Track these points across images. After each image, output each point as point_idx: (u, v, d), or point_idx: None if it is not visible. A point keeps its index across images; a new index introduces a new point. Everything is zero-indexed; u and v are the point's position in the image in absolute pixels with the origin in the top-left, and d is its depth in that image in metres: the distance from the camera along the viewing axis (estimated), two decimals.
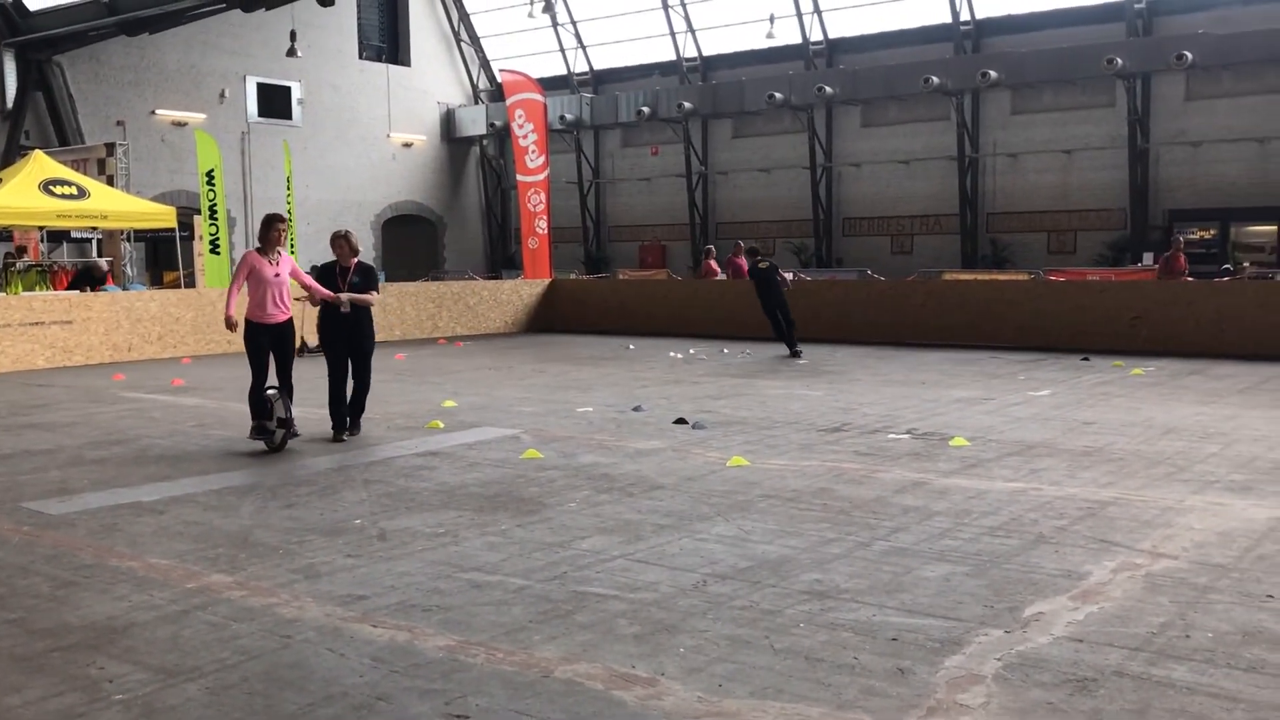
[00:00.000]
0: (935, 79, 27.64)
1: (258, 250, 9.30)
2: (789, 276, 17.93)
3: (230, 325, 9.38)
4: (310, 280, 9.56)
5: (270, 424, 8.94)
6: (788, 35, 31.07)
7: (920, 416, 10.29)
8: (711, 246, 24.35)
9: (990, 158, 29.18)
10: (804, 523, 6.34)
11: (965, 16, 29.08)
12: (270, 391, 9.07)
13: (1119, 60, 25.42)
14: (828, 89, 29.34)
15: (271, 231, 9.26)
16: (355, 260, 9.71)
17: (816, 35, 31.33)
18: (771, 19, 30.17)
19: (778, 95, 29.92)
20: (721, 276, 22.37)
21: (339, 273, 9.64)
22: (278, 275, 9.24)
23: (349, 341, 9.68)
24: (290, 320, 9.40)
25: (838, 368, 14.88)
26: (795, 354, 16.44)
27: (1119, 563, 5.44)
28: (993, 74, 27.11)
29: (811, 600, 4.93)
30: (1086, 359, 15.42)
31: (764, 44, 30.98)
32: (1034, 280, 20.85)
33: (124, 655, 4.34)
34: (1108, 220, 27.74)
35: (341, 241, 9.65)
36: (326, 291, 9.40)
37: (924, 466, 7.92)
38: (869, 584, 5.15)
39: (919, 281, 21.33)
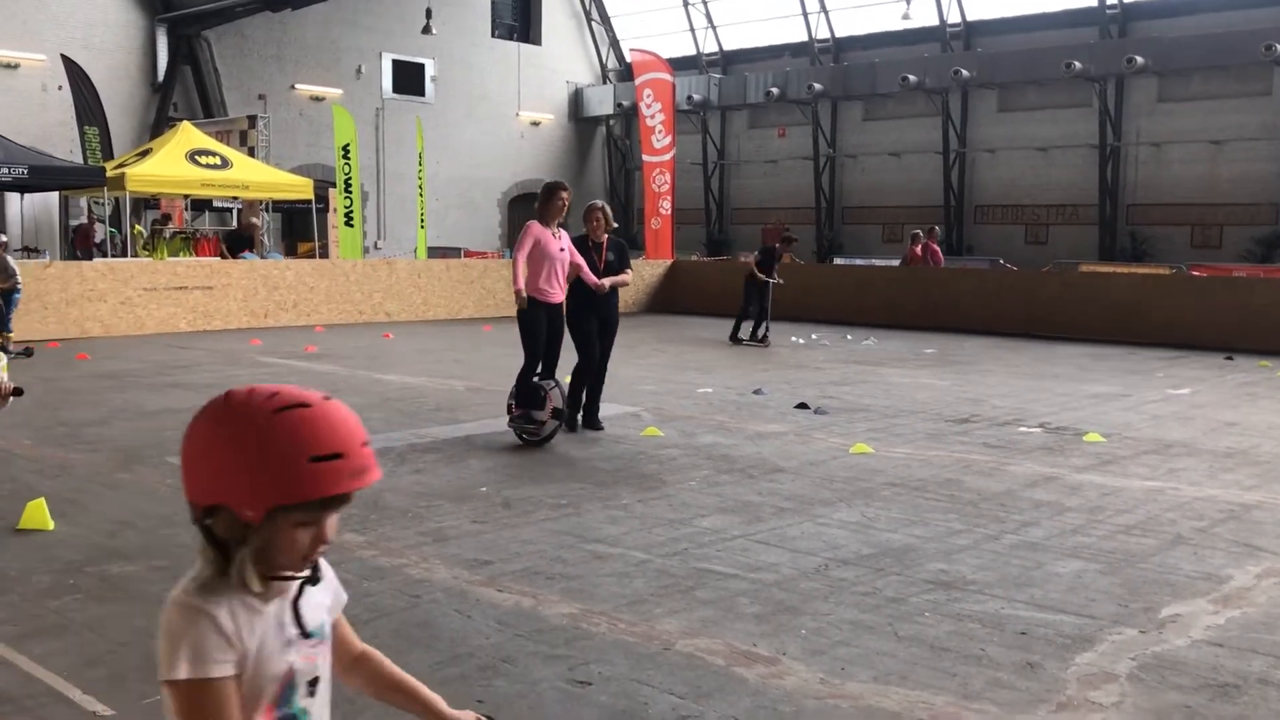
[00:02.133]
0: (1078, 64, 26.71)
1: (539, 221, 8.40)
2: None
3: (522, 301, 8.36)
4: (580, 260, 8.60)
5: (541, 414, 8.04)
6: (924, 17, 30.37)
7: (1053, 411, 10.00)
8: (934, 229, 22.03)
9: (1133, 147, 28.10)
10: (930, 512, 6.23)
11: (1112, 0, 28.03)
12: (544, 379, 8.27)
13: (1277, 47, 24.17)
14: (964, 72, 28.62)
15: (555, 201, 8.35)
16: (607, 235, 8.89)
17: (954, 17, 30.57)
18: (908, 0, 29.55)
19: (911, 78, 29.30)
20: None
21: (591, 248, 8.76)
22: (561, 250, 8.40)
23: (604, 323, 8.86)
24: (563, 302, 8.56)
25: (966, 358, 14.56)
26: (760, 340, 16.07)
27: (1264, 568, 5.20)
28: (1139, 60, 26.07)
29: (937, 590, 4.84)
30: (1230, 358, 14.77)
31: (899, 25, 30.34)
32: (1176, 275, 20.05)
33: None
34: (1256, 215, 26.46)
35: (598, 214, 8.81)
36: (595, 278, 8.55)
37: (1056, 461, 7.70)
38: (997, 576, 5.03)
39: (1054, 272, 20.71)
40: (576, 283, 8.63)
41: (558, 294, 8.46)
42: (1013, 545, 5.56)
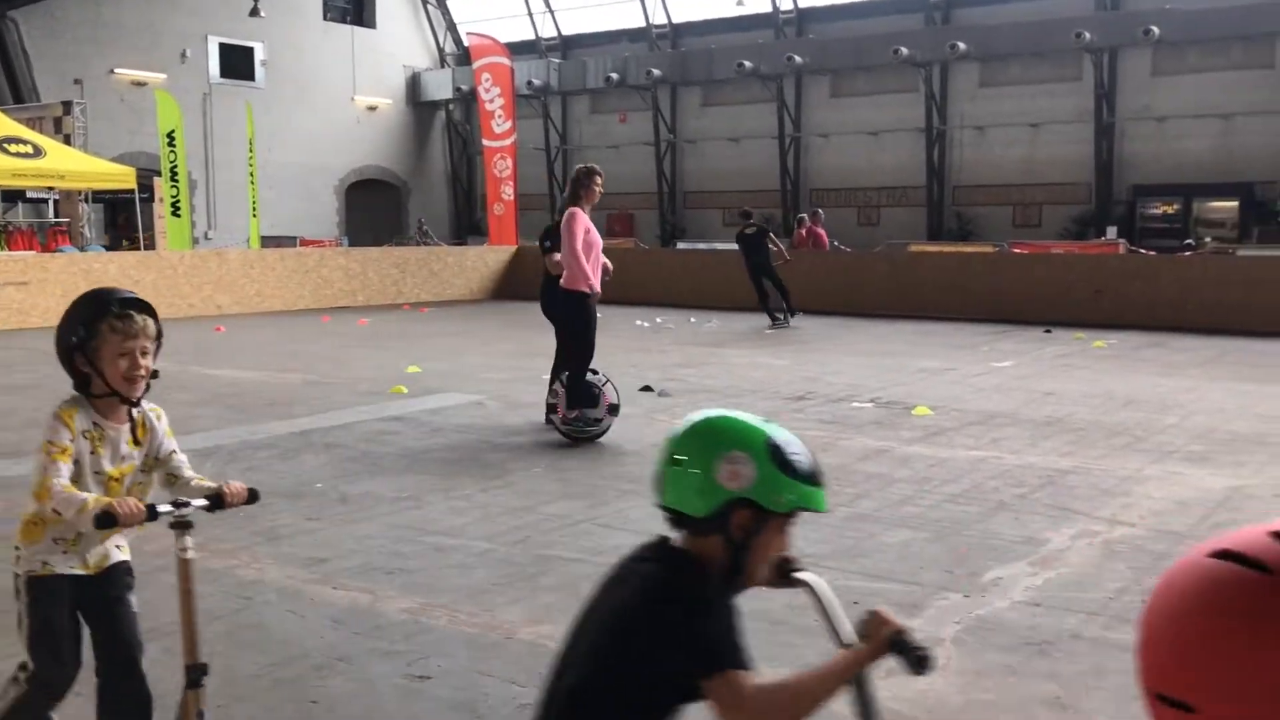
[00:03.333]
0: (905, 50, 27.63)
1: (580, 208, 7.93)
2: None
3: (596, 296, 8.02)
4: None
5: (598, 412, 7.77)
6: (758, 4, 30.92)
7: (884, 386, 10.34)
8: (818, 212, 21.27)
9: (958, 130, 29.25)
10: None
11: None
12: (597, 375, 7.93)
13: (1087, 34, 25.51)
14: (797, 58, 29.26)
15: (594, 185, 7.94)
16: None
17: (786, 4, 31.22)
18: None
19: (747, 64, 29.79)
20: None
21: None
22: (600, 237, 8.10)
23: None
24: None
25: (803, 338, 14.93)
26: (787, 317, 16.12)
27: (1078, 530, 5.50)
28: (962, 46, 27.14)
29: None
30: (1049, 331, 15.54)
31: (733, 12, 30.81)
32: (999, 253, 20.97)
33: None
34: (1073, 194, 27.91)
35: (598, 181, 8.09)
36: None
37: (887, 435, 7.97)
38: (832, 549, 5.18)
39: (885, 253, 21.41)
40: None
41: (598, 283, 8.05)
42: (846, 517, 5.73)
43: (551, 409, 7.90)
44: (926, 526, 5.56)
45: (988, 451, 7.39)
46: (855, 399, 9.56)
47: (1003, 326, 16.18)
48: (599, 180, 7.94)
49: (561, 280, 8.01)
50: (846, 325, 16.53)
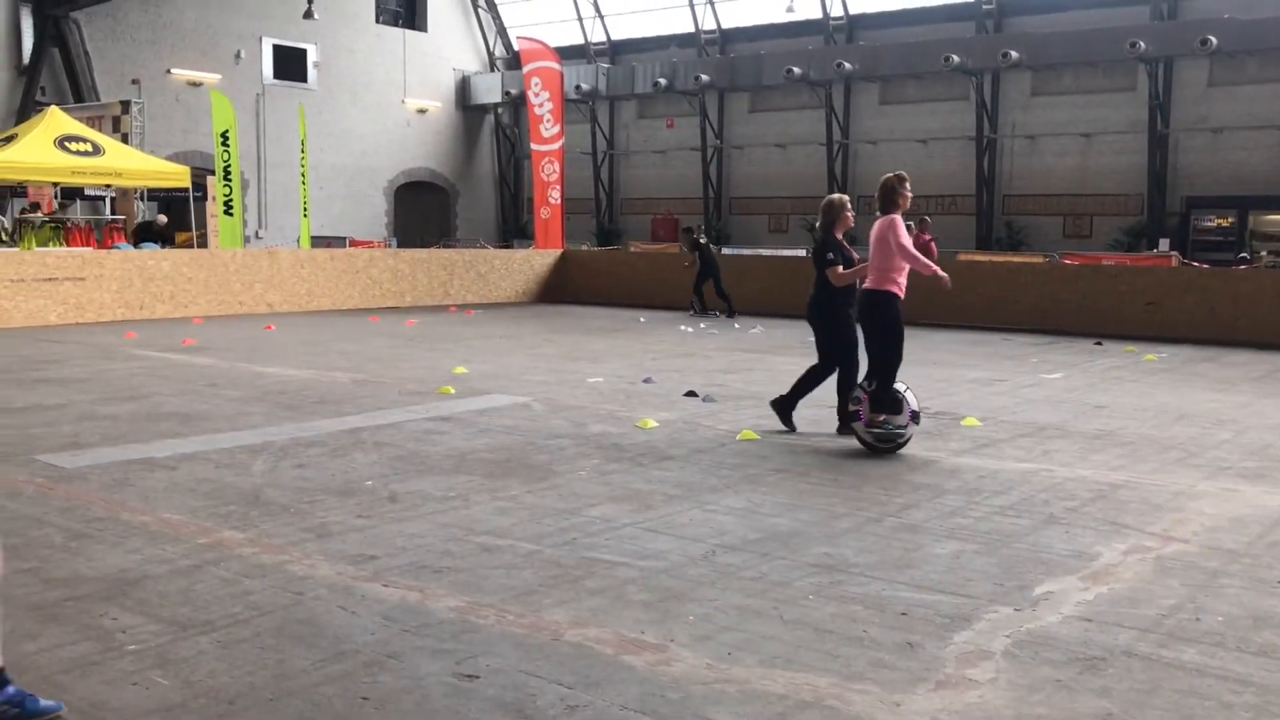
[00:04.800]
0: (955, 58, 27.44)
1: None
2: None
3: (946, 283, 8.18)
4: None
5: (902, 419, 7.66)
6: (808, 10, 30.84)
7: (932, 396, 10.26)
8: (925, 219, 20.61)
9: (1008, 139, 28.99)
10: (814, 497, 6.34)
11: None
12: (899, 384, 7.82)
13: (1142, 44, 25.19)
14: (846, 65, 29.14)
15: (905, 191, 8.00)
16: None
17: (837, 10, 31.10)
18: None
19: (796, 70, 29.72)
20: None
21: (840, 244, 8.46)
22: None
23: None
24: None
25: None
26: (709, 312, 19.06)
27: (1130, 545, 5.43)
28: (1014, 54, 26.90)
29: (821, 573, 4.93)
30: (1099, 344, 15.36)
31: (783, 18, 30.75)
32: (1049, 263, 20.74)
33: (136, 607, 4.37)
34: (1125, 206, 27.57)
35: (908, 185, 8.14)
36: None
37: (935, 445, 7.91)
38: (879, 559, 5.15)
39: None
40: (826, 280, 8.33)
41: None
42: (894, 528, 5.69)
43: (854, 416, 7.82)
44: (976, 538, 5.51)
45: (1038, 464, 7.31)
46: None
47: (1052, 338, 16.01)
48: (908, 186, 8.04)
49: (866, 283, 8.02)
50: None
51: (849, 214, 8.50)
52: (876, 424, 7.64)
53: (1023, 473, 7.04)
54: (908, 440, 7.69)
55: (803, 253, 25.62)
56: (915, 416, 7.74)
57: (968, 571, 4.98)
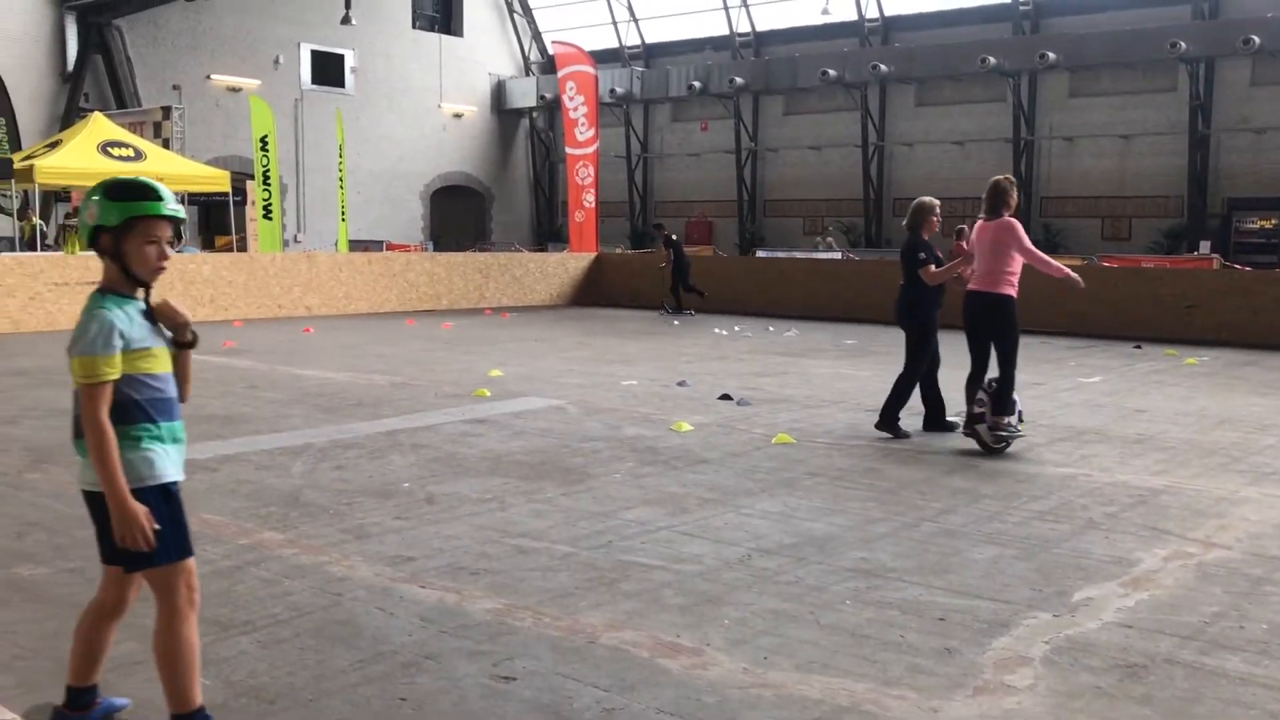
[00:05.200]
0: (992, 59, 27.26)
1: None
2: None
3: (1078, 283, 8.47)
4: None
5: (1013, 420, 7.78)
6: (843, 12, 30.76)
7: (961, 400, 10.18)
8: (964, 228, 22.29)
9: (1046, 140, 28.76)
10: (850, 501, 6.32)
11: None
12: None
13: (1182, 44, 24.92)
14: (882, 67, 29.03)
15: (1014, 194, 8.23)
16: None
17: (872, 12, 30.99)
18: None
19: (831, 72, 29.64)
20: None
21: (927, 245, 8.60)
22: None
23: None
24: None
25: (885, 349, 14.78)
26: (685, 313, 19.63)
27: (1171, 551, 5.37)
28: (1051, 55, 26.69)
29: (858, 578, 4.92)
30: (1139, 347, 15.20)
31: (818, 20, 30.69)
32: (1087, 266, 20.52)
33: None
34: (1165, 207, 27.27)
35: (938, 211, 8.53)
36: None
37: (973, 449, 7.85)
38: (916, 564, 5.13)
39: (969, 264, 21.05)
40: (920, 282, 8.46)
41: None
42: (931, 532, 5.67)
43: (978, 418, 7.83)
44: (1014, 543, 5.47)
45: (1076, 468, 7.25)
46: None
47: (1090, 341, 15.86)
48: (1015, 191, 8.22)
49: (975, 285, 8.12)
50: None
51: (936, 217, 8.62)
52: (1000, 426, 7.71)
53: (1061, 477, 6.98)
54: (1017, 438, 7.80)
55: (837, 255, 25.55)
56: (1020, 417, 7.87)
57: (1006, 577, 4.94)
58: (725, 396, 10.11)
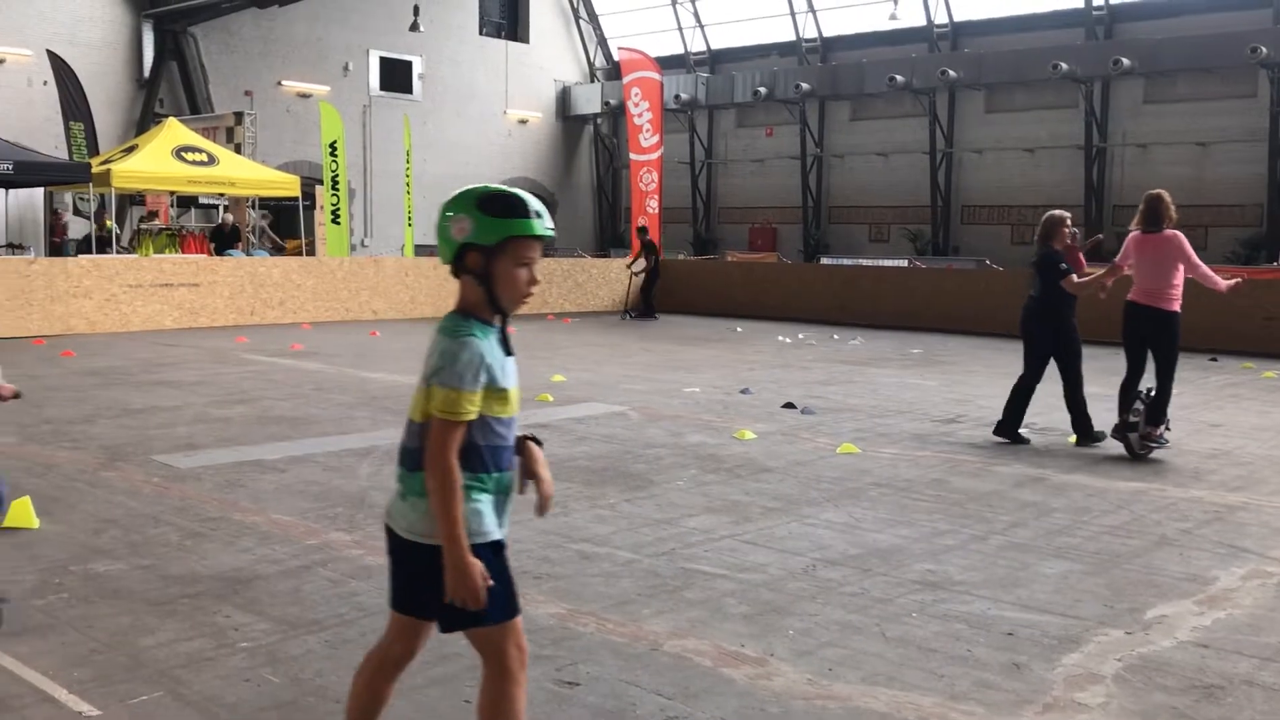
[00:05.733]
0: (1064, 65, 26.84)
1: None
2: None
3: (1239, 287, 8.64)
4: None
5: (1165, 430, 7.99)
6: (912, 17, 30.48)
7: (1038, 411, 10.00)
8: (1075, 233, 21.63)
9: (1119, 148, 28.24)
10: (917, 513, 6.24)
11: (1099, 1, 28.15)
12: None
13: (1263, 49, 24.32)
14: (951, 73, 28.72)
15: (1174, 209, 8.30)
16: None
17: (941, 17, 30.67)
18: (895, 0, 29.62)
19: (899, 78, 29.39)
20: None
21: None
22: None
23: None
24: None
25: (953, 358, 14.61)
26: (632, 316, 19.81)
27: (1249, 570, 5.23)
28: (1125, 61, 26.20)
29: (924, 590, 4.85)
30: (1214, 359, 14.85)
31: (886, 25, 30.44)
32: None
33: (248, 605, 4.49)
34: (1242, 216, 26.63)
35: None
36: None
37: (1042, 462, 7.73)
38: (984, 577, 5.05)
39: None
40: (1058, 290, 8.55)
41: None
42: (1000, 546, 5.58)
43: (1131, 427, 7.99)
44: (1084, 558, 5.37)
45: (1149, 483, 7.10)
46: None
47: None
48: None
49: (1137, 296, 8.25)
50: (995, 346, 16.10)
51: (1067, 229, 8.80)
52: (1152, 436, 7.87)
53: (1133, 492, 6.84)
54: (1164, 445, 7.96)
55: (904, 262, 25.32)
56: (1169, 426, 8.03)
57: (1076, 592, 4.85)
58: (789, 405, 10.05)
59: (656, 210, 25.26)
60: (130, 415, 9.02)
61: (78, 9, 26.16)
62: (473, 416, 2.66)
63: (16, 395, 4.25)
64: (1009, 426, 8.57)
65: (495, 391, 2.72)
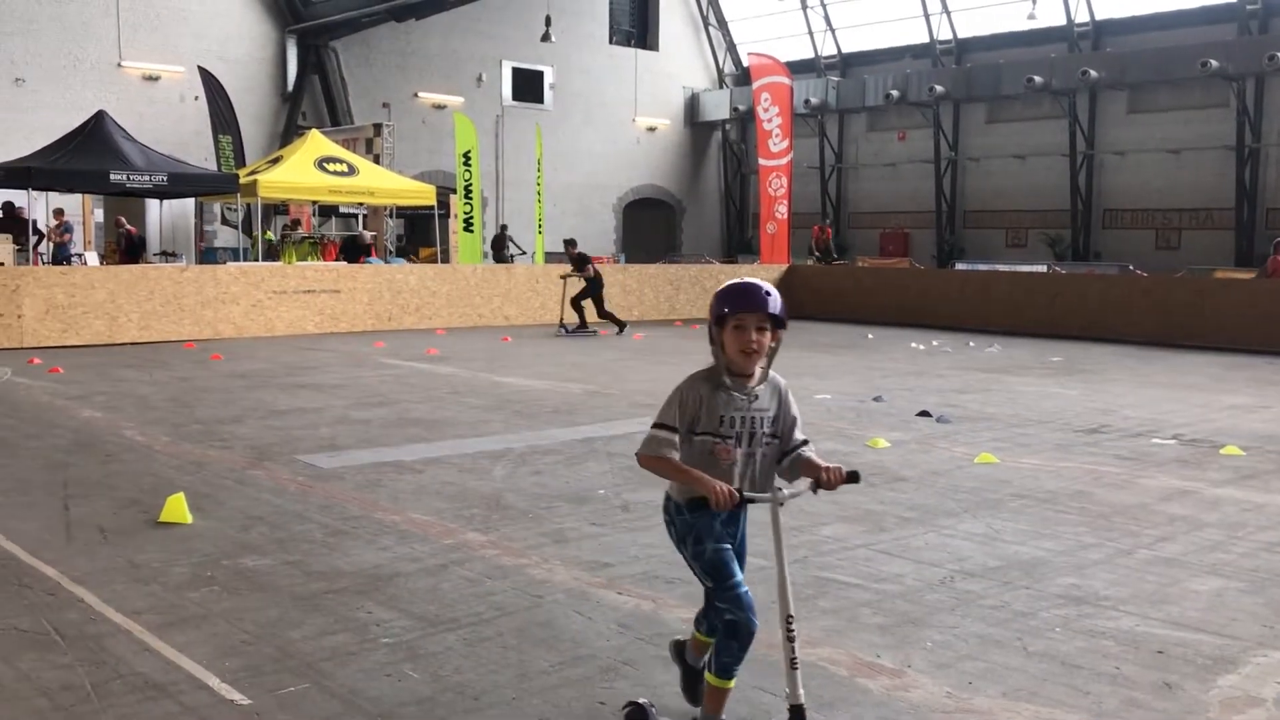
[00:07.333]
0: (1214, 62, 25.70)
1: None
2: None
3: None
4: None
5: None
6: (1050, 17, 29.61)
7: (1188, 422, 9.62)
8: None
9: (1274, 148, 26.90)
10: (1059, 525, 6.05)
11: None
12: None
13: None
14: (1092, 73, 27.79)
15: None
16: None
17: (1082, 16, 29.72)
18: (1034, 0, 28.81)
19: (1037, 79, 28.57)
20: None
21: None
22: None
23: None
24: None
25: (1095, 366, 14.12)
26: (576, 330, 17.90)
27: None
28: None
29: (1068, 605, 4.69)
30: None
31: (1024, 25, 29.63)
32: None
33: (389, 602, 4.61)
34: None
35: None
36: None
37: (1192, 474, 7.41)
38: (1131, 593, 4.86)
39: (1188, 279, 19.94)
40: None
41: None
42: (1147, 560, 5.36)
43: None
44: (1240, 575, 5.12)
45: None
46: (1155, 434, 8.94)
47: None
48: None
49: None
50: (1141, 355, 15.53)
51: None
52: None
53: None
54: None
55: (1043, 268, 24.59)
56: None
57: (1232, 611, 4.63)
58: (924, 413, 9.84)
59: (785, 216, 25.09)
60: (275, 416, 9.36)
61: (227, 27, 27.31)
62: None
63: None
64: None
65: None
